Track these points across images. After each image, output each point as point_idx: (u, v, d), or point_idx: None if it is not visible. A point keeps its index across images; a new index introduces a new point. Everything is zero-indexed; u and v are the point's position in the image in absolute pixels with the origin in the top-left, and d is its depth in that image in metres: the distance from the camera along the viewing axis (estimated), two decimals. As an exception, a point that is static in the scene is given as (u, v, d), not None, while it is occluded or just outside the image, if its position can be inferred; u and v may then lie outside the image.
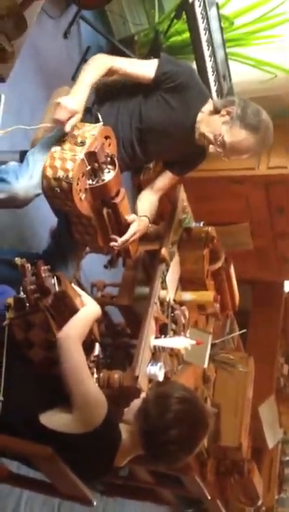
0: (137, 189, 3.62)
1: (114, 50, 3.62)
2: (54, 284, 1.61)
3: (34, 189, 1.97)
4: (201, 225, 2.68)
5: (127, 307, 2.57)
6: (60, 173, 1.88)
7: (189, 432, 1.63)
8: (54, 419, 1.58)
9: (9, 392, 1.58)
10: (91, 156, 1.93)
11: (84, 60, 3.45)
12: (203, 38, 3.11)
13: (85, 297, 1.72)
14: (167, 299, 2.29)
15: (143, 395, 1.80)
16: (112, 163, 2.00)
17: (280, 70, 3.56)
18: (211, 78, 3.22)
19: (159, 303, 2.26)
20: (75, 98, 1.94)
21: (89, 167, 1.94)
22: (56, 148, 1.94)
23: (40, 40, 3.12)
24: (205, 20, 3.10)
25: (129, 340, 3.09)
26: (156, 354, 2.16)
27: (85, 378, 1.57)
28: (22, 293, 1.58)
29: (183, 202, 2.66)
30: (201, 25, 3.08)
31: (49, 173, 1.91)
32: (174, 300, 2.39)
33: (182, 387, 1.74)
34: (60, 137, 1.99)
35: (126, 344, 3.09)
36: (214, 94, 3.24)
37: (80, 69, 3.40)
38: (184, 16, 3.14)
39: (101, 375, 1.97)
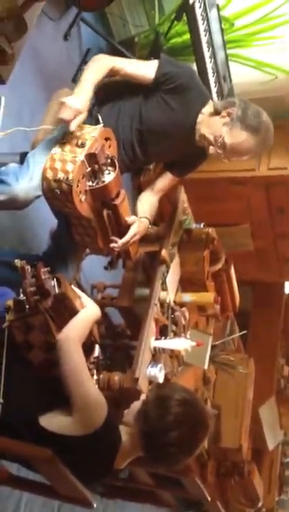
0: (137, 190, 3.62)
1: (114, 52, 3.62)
2: (54, 285, 1.61)
3: (34, 191, 1.97)
4: (202, 226, 2.68)
5: (127, 308, 2.57)
6: (61, 175, 1.88)
7: (189, 434, 1.63)
8: (54, 421, 1.57)
9: (9, 394, 1.58)
10: (91, 157, 1.93)
11: (84, 62, 3.46)
12: (204, 39, 3.11)
13: (85, 299, 1.72)
14: (167, 301, 2.29)
15: (143, 396, 1.80)
16: (113, 164, 2.00)
17: (281, 71, 3.56)
18: (212, 79, 3.22)
19: (160, 304, 2.26)
20: (79, 98, 1.94)
21: (89, 169, 1.94)
22: (56, 150, 1.94)
23: (40, 42, 3.12)
24: (205, 22, 3.10)
25: (129, 342, 3.09)
26: (156, 355, 2.16)
27: (85, 380, 1.57)
28: (22, 295, 1.58)
29: (183, 203, 2.66)
30: (202, 27, 3.08)
31: (49, 174, 1.91)
32: (174, 301, 2.38)
33: (182, 388, 1.74)
34: (60, 139, 1.99)
35: (126, 346, 3.09)
36: (214, 95, 3.24)
37: (80, 71, 3.40)
38: (185, 18, 3.14)
39: (101, 376, 1.97)
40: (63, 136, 1.99)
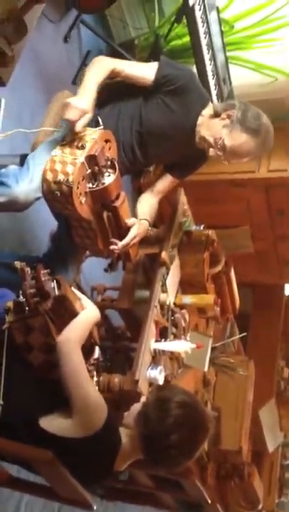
0: (137, 192, 3.63)
1: (114, 54, 3.62)
2: (54, 287, 1.61)
3: (34, 193, 1.97)
4: (202, 228, 2.68)
5: (127, 310, 2.57)
6: (61, 177, 1.88)
7: (189, 437, 1.62)
8: (54, 423, 1.57)
9: (9, 396, 1.58)
10: (91, 159, 1.93)
11: (84, 64, 3.46)
12: (204, 41, 3.12)
13: (85, 301, 1.72)
14: (167, 303, 2.29)
15: (143, 398, 1.80)
16: (113, 166, 2.00)
17: (281, 73, 3.57)
18: (211, 82, 3.22)
19: (160, 306, 2.26)
20: (84, 98, 1.94)
21: (89, 170, 1.94)
22: (56, 152, 1.94)
23: (40, 44, 3.12)
24: (205, 24, 3.10)
25: (129, 344, 3.08)
26: (156, 357, 2.15)
27: (85, 382, 1.57)
28: (21, 297, 1.58)
29: (183, 205, 2.66)
30: (201, 29, 3.08)
31: (49, 176, 1.91)
32: (174, 303, 2.38)
33: (182, 391, 1.74)
34: (60, 141, 1.99)
35: (126, 347, 3.09)
36: (214, 97, 3.24)
37: (80, 73, 3.43)
38: (184, 20, 3.15)
39: (101, 378, 1.97)
40: (63, 138, 1.99)
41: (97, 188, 1.97)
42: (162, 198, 2.41)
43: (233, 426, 2.75)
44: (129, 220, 2.15)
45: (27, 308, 1.58)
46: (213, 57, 3.20)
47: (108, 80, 2.11)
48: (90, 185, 1.97)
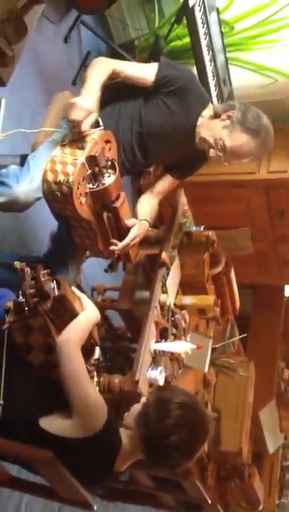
0: (137, 193, 3.63)
1: (114, 55, 3.63)
2: (53, 288, 1.61)
3: (35, 193, 1.97)
4: (202, 229, 2.68)
5: (128, 311, 2.57)
6: (61, 177, 1.88)
7: (190, 438, 1.62)
8: (54, 424, 1.57)
9: (9, 396, 1.58)
10: (92, 160, 1.93)
11: (84, 64, 3.46)
12: (204, 42, 3.12)
13: (85, 301, 1.72)
14: (167, 303, 2.28)
15: (143, 399, 1.80)
16: (113, 167, 2.00)
17: (281, 74, 3.57)
18: (212, 83, 3.23)
19: (160, 307, 2.26)
20: (89, 98, 1.94)
21: (89, 171, 1.94)
22: (57, 152, 1.95)
23: (40, 44, 3.12)
24: (205, 25, 3.11)
25: (130, 345, 3.08)
26: (156, 358, 2.15)
27: (85, 382, 1.57)
28: (21, 297, 1.58)
29: (183, 206, 2.66)
30: (202, 30, 3.08)
31: (50, 177, 1.91)
32: (175, 304, 2.38)
33: (182, 391, 1.73)
34: (60, 141, 1.99)
35: (126, 348, 3.09)
36: (214, 98, 3.24)
37: (80, 74, 3.43)
38: (185, 21, 3.15)
39: (101, 379, 1.96)
40: (64, 139, 1.99)
41: (98, 188, 1.97)
42: (162, 199, 2.41)
43: (234, 427, 2.75)
44: (129, 221, 2.15)
45: (27, 308, 1.58)
46: (214, 58, 3.20)
47: (108, 80, 2.11)
48: (90, 185, 1.97)
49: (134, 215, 2.27)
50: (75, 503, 1.79)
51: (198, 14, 3.04)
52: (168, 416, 1.61)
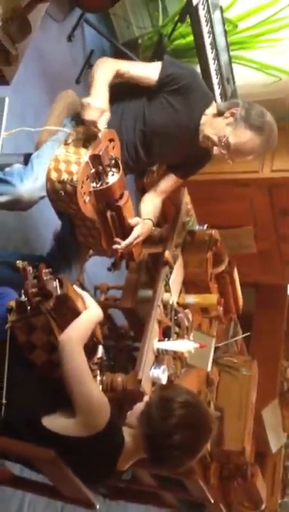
0: (140, 192, 3.62)
1: (118, 54, 3.63)
2: (56, 286, 1.61)
3: (39, 191, 1.97)
4: (205, 227, 2.68)
5: (131, 310, 2.57)
6: (65, 176, 1.88)
7: (192, 437, 1.62)
8: (57, 422, 1.57)
9: (11, 395, 1.58)
10: (95, 158, 1.93)
11: (88, 63, 3.46)
12: (207, 41, 3.12)
13: (88, 299, 1.72)
14: (170, 302, 2.28)
15: (146, 398, 1.79)
16: (116, 166, 2.00)
17: (284, 73, 3.56)
18: (215, 81, 3.22)
19: (163, 306, 2.26)
20: (99, 97, 1.95)
21: (93, 170, 1.94)
22: (61, 151, 1.95)
23: (44, 43, 3.12)
24: (209, 24, 3.10)
25: (133, 343, 3.08)
26: (159, 357, 2.15)
27: (87, 381, 1.57)
28: (23, 296, 1.58)
29: (187, 205, 2.66)
30: (205, 29, 3.08)
31: (53, 176, 1.91)
32: (178, 303, 2.38)
33: (185, 390, 1.73)
34: (64, 140, 1.99)
35: (129, 347, 3.09)
36: (218, 97, 3.24)
37: (84, 72, 3.43)
38: (188, 20, 3.15)
39: (104, 378, 1.97)
40: (67, 137, 1.99)
41: (101, 187, 1.97)
42: (166, 198, 2.41)
43: (237, 426, 2.75)
44: (133, 220, 2.15)
45: (29, 307, 1.58)
46: (217, 57, 3.20)
47: (113, 80, 2.11)
48: (94, 184, 1.98)
49: (138, 214, 2.27)
50: (78, 502, 1.79)
51: (201, 13, 3.04)
52: (171, 415, 1.61)
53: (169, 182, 2.38)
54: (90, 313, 1.69)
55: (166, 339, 2.18)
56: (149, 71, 2.14)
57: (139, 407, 1.70)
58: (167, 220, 2.77)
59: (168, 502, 3.01)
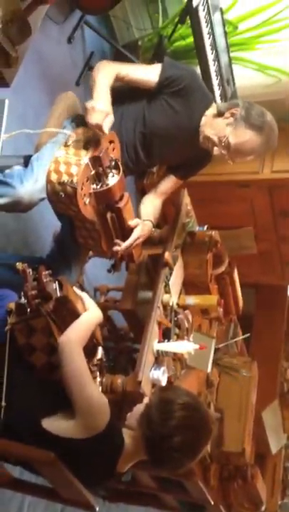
0: (140, 193, 3.62)
1: (118, 55, 3.63)
2: (56, 288, 1.61)
3: (39, 193, 1.97)
4: (205, 228, 2.68)
5: (130, 311, 2.57)
6: (65, 178, 1.89)
7: (192, 439, 1.62)
8: (57, 424, 1.57)
9: (11, 397, 1.58)
10: (95, 160, 1.93)
11: (88, 65, 3.46)
12: (207, 42, 3.11)
13: (87, 301, 1.72)
14: (170, 303, 2.28)
15: (146, 399, 1.80)
16: (116, 167, 2.00)
17: (284, 74, 3.56)
18: (215, 82, 3.22)
19: (162, 307, 2.26)
20: (102, 101, 1.95)
21: (93, 171, 1.94)
22: (61, 153, 1.95)
23: (44, 45, 3.12)
24: (209, 25, 3.10)
25: (132, 345, 3.08)
26: (159, 358, 2.15)
27: (87, 382, 1.57)
28: (23, 298, 1.58)
29: (186, 206, 2.66)
30: (205, 30, 3.08)
31: (54, 177, 1.92)
32: (178, 304, 2.38)
33: (185, 392, 1.73)
34: (64, 142, 2.00)
35: (129, 348, 3.09)
36: (218, 98, 3.24)
37: (84, 74, 3.43)
38: (188, 21, 3.15)
39: (104, 379, 1.96)
40: (67, 139, 1.99)
41: (101, 189, 1.97)
42: (166, 199, 2.41)
43: (237, 427, 2.75)
44: (133, 221, 2.15)
45: (29, 309, 1.58)
46: (217, 58, 3.20)
47: (113, 84, 2.11)
48: (94, 186, 1.98)
49: (138, 216, 2.27)
50: (78, 504, 1.79)
51: (201, 14, 3.04)
52: (171, 417, 1.61)
53: (168, 183, 2.38)
54: (90, 314, 1.69)
55: (166, 340, 2.18)
56: (148, 74, 2.14)
57: (138, 408, 1.70)
58: (167, 222, 2.77)
59: (168, 504, 3.00)
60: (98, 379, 1.82)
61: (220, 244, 2.62)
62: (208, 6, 3.08)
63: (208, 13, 3.09)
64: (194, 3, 2.96)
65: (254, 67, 3.62)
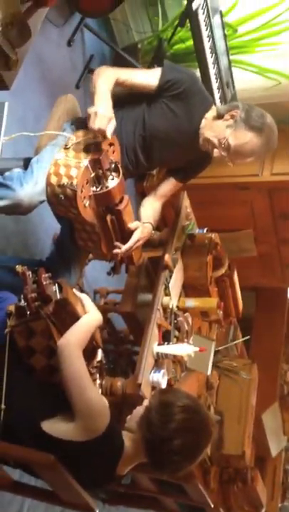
0: (140, 196, 3.63)
1: (117, 58, 3.63)
2: (55, 291, 1.61)
3: (38, 196, 1.98)
4: (205, 231, 2.68)
5: (130, 314, 2.57)
6: (65, 180, 1.89)
7: (192, 441, 1.62)
8: (56, 427, 1.57)
9: (11, 400, 1.58)
10: (95, 163, 1.93)
11: (87, 68, 3.47)
12: (207, 45, 3.12)
13: (87, 303, 1.72)
14: (170, 306, 2.28)
15: (146, 402, 1.80)
16: (116, 170, 2.01)
17: (284, 76, 3.57)
18: (215, 85, 3.22)
19: (162, 309, 2.26)
20: (104, 106, 1.95)
21: (93, 174, 1.94)
22: (60, 156, 1.95)
23: (44, 48, 3.13)
24: (208, 28, 3.11)
25: (132, 347, 3.08)
26: (159, 361, 2.15)
27: (87, 386, 1.57)
28: (23, 300, 1.58)
29: (186, 208, 2.67)
30: (205, 33, 3.08)
31: (53, 180, 1.92)
32: (177, 307, 2.38)
33: (185, 395, 1.73)
34: (64, 144, 2.00)
35: (129, 351, 3.09)
36: (218, 101, 3.24)
37: (83, 77, 3.44)
38: (188, 24, 3.15)
39: (104, 382, 1.96)
40: (67, 142, 1.99)
41: (101, 191, 1.97)
42: (165, 202, 2.41)
43: (236, 430, 2.74)
44: (133, 224, 2.15)
45: (28, 312, 1.58)
46: (217, 61, 3.20)
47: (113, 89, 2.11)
48: (94, 188, 1.98)
49: (138, 218, 2.27)
50: (77, 506, 1.79)
51: (201, 17, 3.04)
52: (171, 420, 1.61)
53: (168, 186, 2.39)
54: (90, 317, 1.69)
55: (166, 343, 2.18)
56: (148, 78, 2.15)
57: (138, 411, 1.70)
58: (167, 224, 2.77)
59: (168, 507, 3.00)
60: (98, 381, 1.82)
61: (220, 246, 2.62)
62: (207, 9, 3.08)
63: (208, 16, 3.09)
64: (194, 6, 2.97)
65: (254, 70, 3.62)
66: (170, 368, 2.21)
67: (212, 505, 2.65)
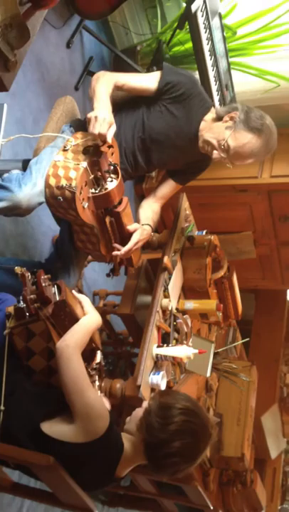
0: (139, 198, 3.63)
1: (116, 60, 3.64)
2: (54, 293, 1.61)
3: (37, 197, 1.98)
4: (204, 233, 2.68)
5: (129, 316, 2.57)
6: (64, 182, 1.89)
7: (192, 443, 1.61)
8: (56, 428, 1.57)
9: (10, 401, 1.58)
10: (94, 165, 1.93)
11: (86, 69, 3.47)
12: (206, 47, 3.12)
13: (86, 305, 1.72)
14: (170, 308, 2.28)
15: (145, 404, 1.80)
16: (115, 172, 2.01)
17: (283, 79, 3.57)
18: (214, 88, 3.22)
19: (162, 311, 2.26)
20: (104, 110, 1.96)
21: (92, 176, 1.95)
22: (59, 157, 1.95)
23: (43, 49, 3.13)
24: (208, 30, 3.11)
25: (131, 349, 3.08)
26: (158, 363, 2.15)
27: (86, 388, 1.56)
28: (22, 302, 1.58)
29: (185, 210, 2.67)
30: (204, 35, 3.08)
31: (52, 182, 1.92)
32: (177, 308, 2.38)
33: (185, 397, 1.73)
34: (62, 146, 2.00)
35: (128, 353, 3.09)
36: (217, 103, 3.25)
37: (82, 79, 3.44)
38: (187, 26, 3.15)
39: (103, 384, 1.96)
40: (66, 144, 1.99)
41: (100, 193, 1.97)
42: (165, 204, 2.41)
43: (236, 432, 2.74)
44: (132, 226, 2.15)
45: (28, 313, 1.58)
46: (216, 63, 3.20)
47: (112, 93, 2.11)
48: (93, 190, 1.98)
49: (137, 220, 2.27)
50: (77, 508, 1.79)
51: (200, 19, 3.04)
52: (170, 422, 1.61)
53: (167, 188, 2.39)
54: (89, 319, 1.69)
55: (165, 345, 2.18)
56: (147, 81, 2.15)
57: (138, 413, 1.70)
58: (166, 226, 2.77)
59: (167, 508, 3.00)
60: (97, 383, 1.81)
61: (219, 248, 2.62)
62: (207, 12, 3.08)
63: (207, 18, 3.09)
64: (193, 9, 2.97)
65: (253, 72, 3.63)
66: (169, 370, 2.21)
67: (211, 507, 2.64)
